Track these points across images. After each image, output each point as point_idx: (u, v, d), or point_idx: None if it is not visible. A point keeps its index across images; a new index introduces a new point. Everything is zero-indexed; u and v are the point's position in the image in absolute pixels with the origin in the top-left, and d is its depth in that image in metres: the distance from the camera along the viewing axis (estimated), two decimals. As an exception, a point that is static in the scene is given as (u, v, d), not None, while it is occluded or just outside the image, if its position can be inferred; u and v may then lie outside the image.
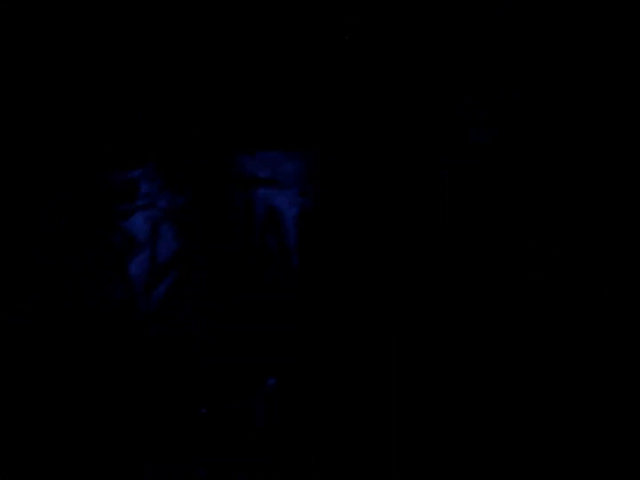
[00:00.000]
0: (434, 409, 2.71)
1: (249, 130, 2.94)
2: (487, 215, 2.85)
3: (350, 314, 2.79)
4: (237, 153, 2.92)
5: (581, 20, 2.86)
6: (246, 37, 2.98)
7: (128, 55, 3.01)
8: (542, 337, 2.77)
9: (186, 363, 2.84)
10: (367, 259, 2.83)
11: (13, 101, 2.98)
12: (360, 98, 2.92)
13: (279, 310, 2.83)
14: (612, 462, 2.60)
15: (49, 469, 2.72)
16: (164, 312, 2.87)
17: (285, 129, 2.93)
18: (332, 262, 2.82)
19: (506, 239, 2.84)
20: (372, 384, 2.74)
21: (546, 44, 2.87)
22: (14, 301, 2.90)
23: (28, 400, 2.80)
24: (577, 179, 2.84)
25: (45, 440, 2.77)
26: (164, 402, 2.80)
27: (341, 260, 2.82)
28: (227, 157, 2.92)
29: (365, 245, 2.84)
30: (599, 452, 2.62)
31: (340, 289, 2.80)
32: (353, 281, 2.81)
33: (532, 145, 2.86)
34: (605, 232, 2.82)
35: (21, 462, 2.72)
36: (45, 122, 2.99)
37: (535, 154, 2.86)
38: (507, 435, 2.66)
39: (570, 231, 2.82)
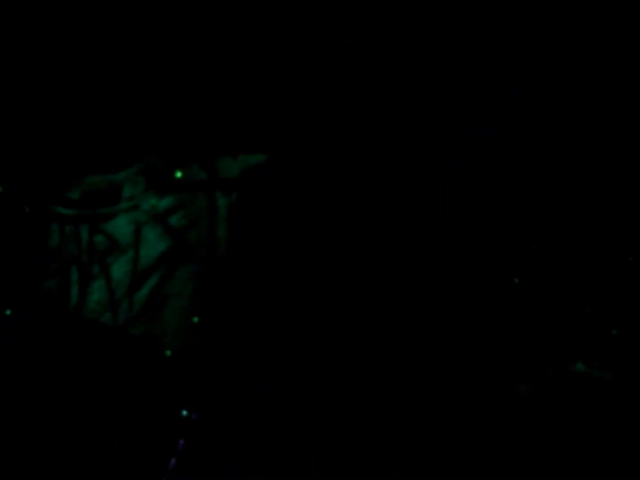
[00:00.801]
0: (433, 407, 2.71)
1: (234, 134, 2.95)
2: (487, 215, 2.85)
3: (350, 317, 2.79)
4: (221, 156, 2.93)
5: (580, 21, 2.86)
6: (243, 43, 2.99)
7: (110, 71, 3.03)
8: (542, 336, 2.77)
9: (168, 363, 2.85)
10: (366, 260, 2.83)
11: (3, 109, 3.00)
12: (360, 99, 2.92)
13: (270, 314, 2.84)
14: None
15: (48, 466, 2.73)
16: (147, 313, 2.88)
17: (274, 131, 2.93)
18: (323, 266, 2.83)
19: (506, 238, 2.84)
20: (372, 382, 2.74)
21: (546, 44, 2.87)
22: (14, 301, 2.91)
23: (27, 397, 2.81)
24: (577, 178, 2.84)
25: (43, 437, 2.77)
26: (148, 401, 2.81)
27: (335, 263, 2.83)
28: (211, 161, 2.94)
29: (363, 246, 2.84)
30: (600, 447, 2.63)
31: (339, 292, 2.80)
32: (351, 284, 2.81)
33: (532, 145, 2.86)
34: (605, 232, 2.82)
35: (21, 461, 2.72)
36: (28, 128, 3.01)
37: (535, 154, 2.86)
38: (507, 434, 2.67)
39: (570, 231, 2.82)
